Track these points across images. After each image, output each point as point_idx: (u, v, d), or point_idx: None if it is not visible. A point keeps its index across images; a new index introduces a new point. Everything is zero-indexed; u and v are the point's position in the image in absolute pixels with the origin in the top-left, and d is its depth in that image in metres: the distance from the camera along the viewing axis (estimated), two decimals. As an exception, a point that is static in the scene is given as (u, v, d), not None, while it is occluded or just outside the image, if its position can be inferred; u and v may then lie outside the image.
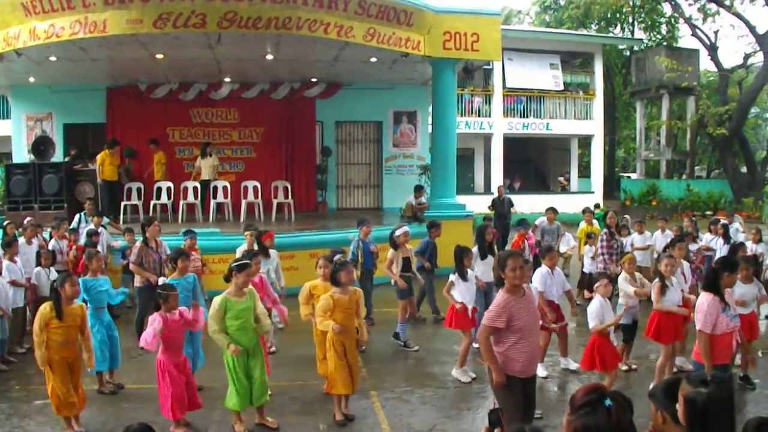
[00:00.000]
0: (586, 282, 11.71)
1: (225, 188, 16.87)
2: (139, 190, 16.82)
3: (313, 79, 19.08)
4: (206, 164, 17.21)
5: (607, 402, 2.64)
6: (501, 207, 18.06)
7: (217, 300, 6.50)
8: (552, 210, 14.22)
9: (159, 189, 16.83)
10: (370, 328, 10.67)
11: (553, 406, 7.43)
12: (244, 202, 16.56)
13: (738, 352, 7.90)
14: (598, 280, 7.81)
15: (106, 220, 13.28)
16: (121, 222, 14.82)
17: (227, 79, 18.43)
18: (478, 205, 20.99)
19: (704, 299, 6.19)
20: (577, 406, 2.69)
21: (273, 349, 9.34)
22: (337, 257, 8.59)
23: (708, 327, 6.06)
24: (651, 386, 7.76)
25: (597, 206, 19.49)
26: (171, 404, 6.37)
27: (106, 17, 12.22)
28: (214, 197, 16.55)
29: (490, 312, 5.41)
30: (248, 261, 6.87)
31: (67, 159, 16.72)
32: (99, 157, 15.75)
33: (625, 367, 8.58)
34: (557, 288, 8.58)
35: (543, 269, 8.60)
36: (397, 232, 10.29)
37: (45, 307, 6.45)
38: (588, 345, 7.42)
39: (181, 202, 16.36)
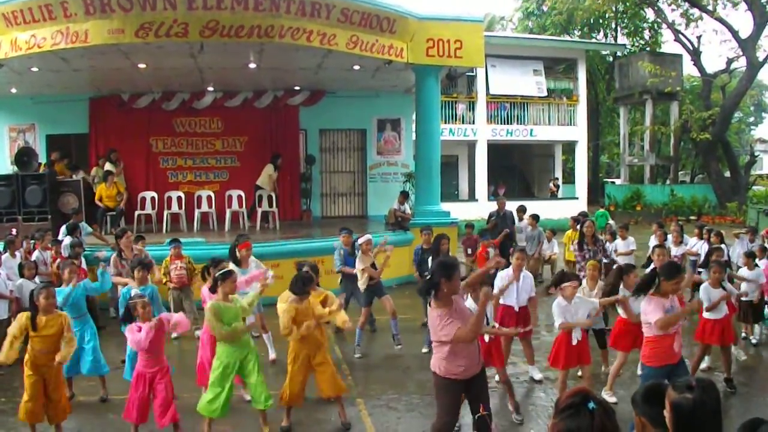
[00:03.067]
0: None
1: (209, 197, 16.82)
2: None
3: (297, 87, 19.10)
4: (266, 172, 17.33)
5: (591, 405, 2.63)
6: (504, 223, 14.95)
7: (209, 307, 6.58)
8: (532, 216, 14.30)
9: (143, 199, 16.77)
10: (372, 335, 10.71)
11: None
12: (228, 211, 16.50)
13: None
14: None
15: (89, 229, 13.20)
16: (102, 232, 14.70)
17: (210, 88, 18.41)
18: (463, 212, 21.03)
19: (646, 301, 6.25)
20: (560, 408, 2.69)
21: (273, 356, 9.39)
22: (304, 269, 8.60)
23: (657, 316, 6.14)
24: (603, 390, 7.78)
25: (602, 206, 19.73)
26: (127, 406, 6.50)
27: (88, 27, 12.19)
28: (198, 207, 16.49)
29: (437, 329, 5.46)
30: (232, 269, 6.85)
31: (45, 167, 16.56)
32: (97, 192, 15.66)
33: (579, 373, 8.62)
34: (521, 293, 8.32)
35: (505, 271, 8.40)
36: (360, 240, 10.20)
37: (22, 316, 6.48)
38: (554, 344, 7.44)
39: (165, 212, 16.29)
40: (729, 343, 8.33)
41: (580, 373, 7.64)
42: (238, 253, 9.42)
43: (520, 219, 14.42)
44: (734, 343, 8.95)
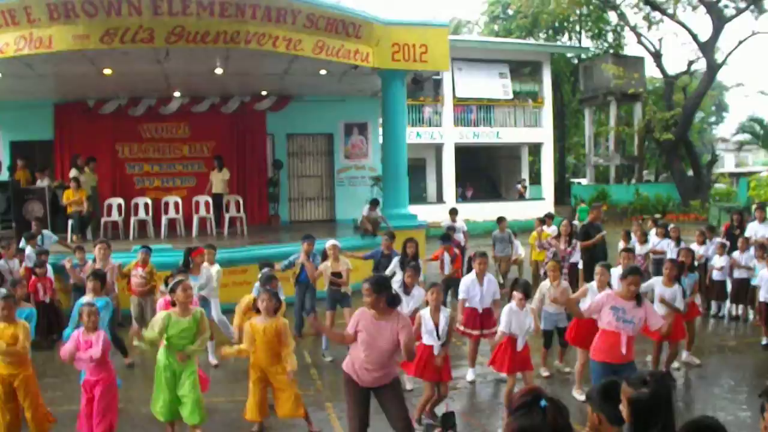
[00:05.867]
0: None
1: (176, 204, 16.72)
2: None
3: (264, 92, 19.08)
4: (218, 178, 17.18)
5: (543, 403, 2.72)
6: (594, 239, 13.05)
7: (160, 314, 6.55)
8: (500, 219, 14.45)
9: (109, 206, 16.62)
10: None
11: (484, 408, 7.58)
12: (195, 217, 16.41)
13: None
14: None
15: (55, 238, 13.05)
16: (69, 240, 14.55)
17: (177, 94, 18.31)
18: (431, 214, 21.12)
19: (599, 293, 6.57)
20: (514, 408, 2.78)
21: (215, 362, 9.45)
22: (265, 270, 8.59)
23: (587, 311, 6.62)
24: (573, 389, 7.93)
25: (582, 201, 19.93)
26: (79, 418, 6.46)
27: (52, 33, 12.10)
28: (165, 213, 16.39)
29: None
30: (182, 279, 6.77)
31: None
32: (65, 196, 15.44)
33: (546, 373, 8.79)
34: (486, 296, 8.51)
35: (469, 277, 8.63)
36: (326, 245, 10.27)
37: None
38: (497, 346, 7.52)
39: (132, 219, 16.17)
40: (678, 338, 8.54)
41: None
42: (191, 261, 9.45)
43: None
44: (687, 348, 9.17)
